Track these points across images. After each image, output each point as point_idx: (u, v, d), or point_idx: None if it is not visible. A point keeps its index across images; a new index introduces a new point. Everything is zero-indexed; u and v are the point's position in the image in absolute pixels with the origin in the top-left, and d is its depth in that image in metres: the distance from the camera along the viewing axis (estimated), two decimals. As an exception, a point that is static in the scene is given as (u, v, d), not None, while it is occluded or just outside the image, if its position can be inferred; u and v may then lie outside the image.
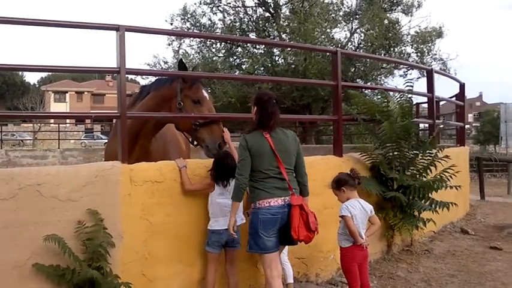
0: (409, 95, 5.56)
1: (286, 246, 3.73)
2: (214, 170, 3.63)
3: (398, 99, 5.50)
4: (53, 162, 16.87)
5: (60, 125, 23.41)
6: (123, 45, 3.61)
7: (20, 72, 59.28)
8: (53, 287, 3.03)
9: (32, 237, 3.00)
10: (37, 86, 65.41)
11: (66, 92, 58.18)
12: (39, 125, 33.31)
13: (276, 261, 3.36)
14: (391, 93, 6.11)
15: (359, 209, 3.83)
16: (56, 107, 53.43)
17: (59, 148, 18.80)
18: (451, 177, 5.33)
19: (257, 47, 19.68)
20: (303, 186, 3.48)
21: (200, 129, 3.92)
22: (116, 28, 3.62)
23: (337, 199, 3.97)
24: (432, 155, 5.48)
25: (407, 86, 5.58)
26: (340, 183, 3.93)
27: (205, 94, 4.09)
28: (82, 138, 35.95)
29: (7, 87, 59.11)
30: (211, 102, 4.18)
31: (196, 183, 3.67)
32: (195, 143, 4.13)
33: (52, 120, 30.08)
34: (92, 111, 3.86)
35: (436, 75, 7.38)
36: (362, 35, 20.13)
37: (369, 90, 16.30)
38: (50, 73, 65.57)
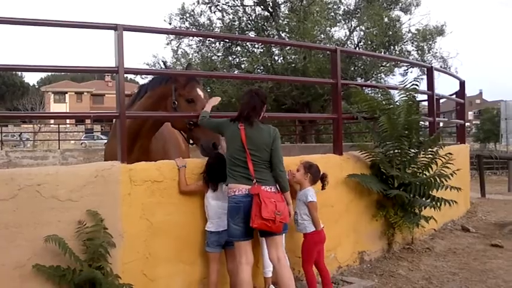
0: (412, 93, 5.53)
1: (264, 245, 3.75)
2: (205, 173, 3.67)
3: (403, 96, 5.48)
4: (53, 163, 16.87)
5: (60, 126, 23.40)
6: (121, 45, 3.60)
7: (20, 73, 59.24)
8: (54, 287, 3.03)
9: (32, 237, 2.99)
10: (37, 86, 65.38)
11: (66, 93, 58.18)
12: (39, 125, 33.32)
13: (245, 249, 3.50)
14: (392, 91, 6.08)
15: None
16: (55, 108, 53.45)
17: (59, 149, 18.80)
18: (451, 175, 5.33)
19: (256, 46, 19.65)
20: (278, 182, 3.56)
21: (195, 128, 3.93)
22: (114, 27, 3.61)
23: (296, 176, 4.04)
24: (433, 152, 5.47)
25: (414, 84, 5.56)
26: (311, 170, 4.06)
27: (200, 93, 4.07)
28: (82, 138, 35.95)
29: (7, 88, 59.02)
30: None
31: (191, 184, 3.68)
32: (191, 141, 4.13)
33: (52, 121, 30.13)
34: (91, 111, 3.84)
35: (436, 73, 7.36)
36: (361, 33, 20.10)
37: (370, 89, 16.28)
38: (49, 74, 65.79)
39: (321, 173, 4.15)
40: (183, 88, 4.02)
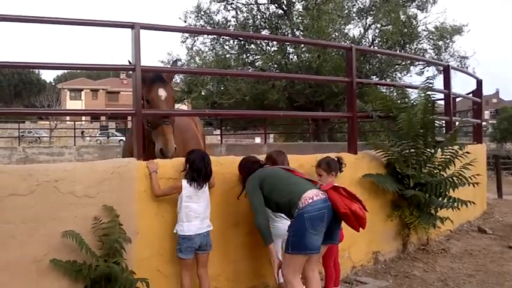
0: (428, 93, 5.46)
1: (280, 245, 3.66)
2: (189, 171, 3.44)
3: (421, 95, 5.42)
4: (69, 159, 17.12)
5: (76, 123, 23.72)
6: (138, 43, 3.63)
7: (36, 71, 60.14)
8: (70, 282, 3.07)
9: (50, 232, 3.03)
10: (53, 84, 66.31)
11: (82, 90, 58.90)
12: (55, 122, 33.78)
13: (317, 260, 3.43)
14: (409, 90, 6.02)
15: None
16: (71, 105, 54.11)
17: (74, 145, 19.07)
18: (470, 178, 5.24)
19: (270, 44, 19.62)
20: None
21: (152, 130, 3.94)
22: (131, 26, 3.64)
23: (322, 182, 3.73)
24: (453, 152, 5.39)
25: (427, 83, 5.49)
26: (331, 166, 4.03)
27: (160, 94, 4.00)
28: (97, 135, 36.38)
29: (24, 85, 60.05)
30: (168, 102, 4.08)
31: (165, 188, 3.48)
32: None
33: (68, 118, 30.52)
34: (107, 109, 3.86)
35: (453, 72, 7.27)
36: (376, 31, 19.91)
37: (385, 87, 16.11)
38: (65, 71, 66.42)
39: (335, 158, 4.16)
40: (144, 89, 3.99)
